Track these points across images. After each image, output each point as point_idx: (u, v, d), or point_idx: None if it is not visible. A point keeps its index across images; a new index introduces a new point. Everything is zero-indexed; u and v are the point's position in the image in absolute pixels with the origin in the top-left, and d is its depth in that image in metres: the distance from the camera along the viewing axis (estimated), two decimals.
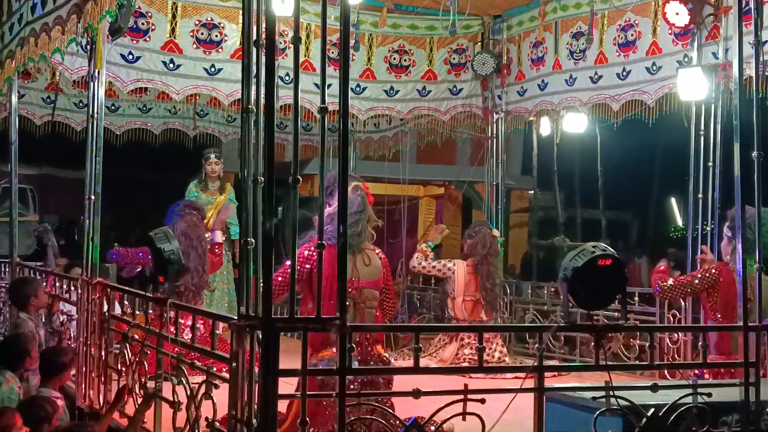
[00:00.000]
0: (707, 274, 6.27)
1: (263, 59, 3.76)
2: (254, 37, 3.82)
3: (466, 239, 8.90)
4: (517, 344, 9.77)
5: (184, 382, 4.61)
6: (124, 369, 5.70)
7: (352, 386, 4.31)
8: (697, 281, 6.31)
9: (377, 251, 5.33)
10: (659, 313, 8.19)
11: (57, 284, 7.52)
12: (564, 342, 9.19)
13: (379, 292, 5.28)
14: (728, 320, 5.88)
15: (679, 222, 21.84)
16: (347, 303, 4.93)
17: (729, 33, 7.39)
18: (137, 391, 5.39)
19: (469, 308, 8.62)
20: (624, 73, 8.77)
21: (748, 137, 4.59)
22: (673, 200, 22.89)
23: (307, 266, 4.97)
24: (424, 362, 8.03)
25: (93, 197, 6.48)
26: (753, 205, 4.68)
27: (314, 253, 4.72)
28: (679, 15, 7.69)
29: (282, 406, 4.25)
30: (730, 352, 5.66)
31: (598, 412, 4.18)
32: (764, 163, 4.53)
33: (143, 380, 5.32)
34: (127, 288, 6.23)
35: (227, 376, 3.97)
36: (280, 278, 4.67)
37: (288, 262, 4.35)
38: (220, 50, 9.06)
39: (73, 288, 6.98)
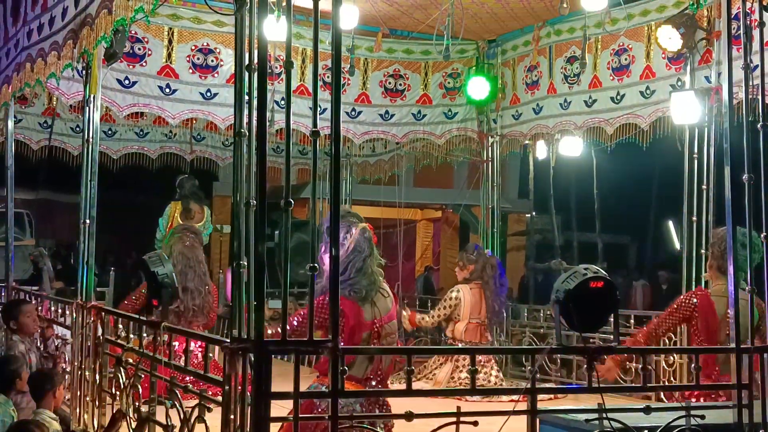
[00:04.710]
0: (685, 302, 6.05)
1: (255, 83, 3.79)
2: (246, 61, 3.86)
3: (466, 264, 8.82)
4: (514, 367, 9.76)
5: (178, 405, 4.60)
6: (118, 393, 5.68)
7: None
8: (675, 306, 6.09)
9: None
10: None
11: (52, 308, 7.51)
12: (560, 365, 9.17)
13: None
14: (710, 344, 5.78)
15: (677, 245, 21.78)
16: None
17: (721, 57, 7.41)
18: (131, 415, 5.38)
19: (471, 331, 8.60)
20: (618, 97, 8.82)
21: (740, 160, 4.62)
22: (670, 223, 22.87)
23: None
24: (419, 385, 8.11)
25: (88, 221, 6.50)
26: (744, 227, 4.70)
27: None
28: (671, 39, 7.74)
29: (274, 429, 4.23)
30: (719, 374, 5.61)
31: None
32: (755, 185, 4.56)
33: (137, 404, 5.31)
34: (121, 312, 6.23)
35: (221, 399, 3.97)
36: (295, 322, 4.58)
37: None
38: (215, 75, 9.10)
39: (67, 312, 6.98)
